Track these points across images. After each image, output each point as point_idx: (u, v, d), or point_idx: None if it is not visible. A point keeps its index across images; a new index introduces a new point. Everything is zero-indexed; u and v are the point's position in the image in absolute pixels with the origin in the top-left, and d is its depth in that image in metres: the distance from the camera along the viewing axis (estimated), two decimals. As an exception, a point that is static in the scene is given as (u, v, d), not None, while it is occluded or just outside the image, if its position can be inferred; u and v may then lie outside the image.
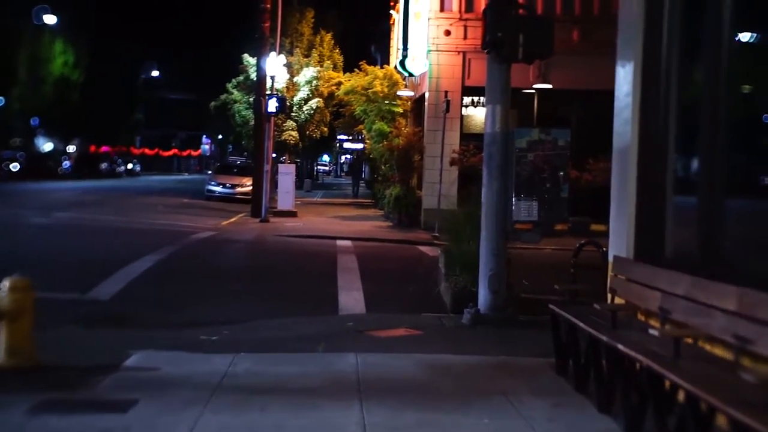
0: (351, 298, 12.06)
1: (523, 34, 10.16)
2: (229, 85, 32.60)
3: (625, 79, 8.25)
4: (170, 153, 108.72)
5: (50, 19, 55.49)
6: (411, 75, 25.13)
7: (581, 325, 6.66)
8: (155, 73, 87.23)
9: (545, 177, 9.84)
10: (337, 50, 39.07)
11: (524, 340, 9.09)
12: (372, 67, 29.60)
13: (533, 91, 24.75)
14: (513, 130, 10.26)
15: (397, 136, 26.78)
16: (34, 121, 64.94)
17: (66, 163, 63.29)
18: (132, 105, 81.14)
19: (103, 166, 69.07)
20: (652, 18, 7.63)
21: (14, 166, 51.42)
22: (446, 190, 22.98)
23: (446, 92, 22.72)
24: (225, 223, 25.01)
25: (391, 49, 38.12)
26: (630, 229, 7.82)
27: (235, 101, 32.18)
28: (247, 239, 20.43)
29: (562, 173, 9.70)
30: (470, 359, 8.15)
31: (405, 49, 24.18)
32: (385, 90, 28.11)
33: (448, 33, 24.34)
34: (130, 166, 78.03)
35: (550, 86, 24.03)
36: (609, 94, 9.07)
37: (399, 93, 28.07)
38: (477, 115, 25.30)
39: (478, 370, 7.72)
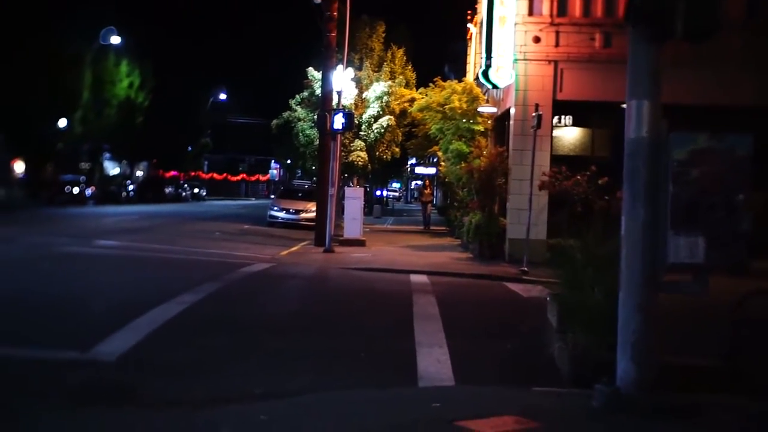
0: (433, 360, 9.14)
1: (684, 1, 7.25)
2: (292, 102, 30.00)
3: None
4: (238, 178, 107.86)
5: (116, 41, 54.09)
6: (495, 87, 22.23)
7: None
8: (223, 97, 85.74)
9: (716, 202, 6.89)
10: (410, 67, 36.40)
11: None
12: (449, 81, 26.74)
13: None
14: (668, 135, 7.28)
15: (478, 157, 23.86)
16: (104, 145, 63.92)
17: (130, 187, 61.82)
18: (199, 129, 79.79)
19: (168, 190, 67.50)
20: None
21: (75, 190, 49.86)
22: (535, 217, 20.01)
23: (537, 105, 19.73)
24: (284, 253, 22.34)
25: (467, 66, 35.34)
26: None
27: (299, 119, 29.56)
28: (306, 274, 17.65)
29: (741, 196, 6.77)
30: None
31: (488, 58, 21.29)
32: (464, 106, 25.24)
33: (537, 40, 21.41)
34: (196, 190, 76.44)
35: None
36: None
37: (480, 109, 25.16)
38: (568, 134, 22.30)
39: None
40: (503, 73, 21.25)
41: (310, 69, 29.23)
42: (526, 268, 18.81)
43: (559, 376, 8.44)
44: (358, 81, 29.63)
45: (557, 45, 21.40)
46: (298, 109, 29.72)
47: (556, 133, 21.89)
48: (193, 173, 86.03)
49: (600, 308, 8.22)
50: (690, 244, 7.00)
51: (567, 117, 21.99)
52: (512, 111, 21.87)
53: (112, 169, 68.32)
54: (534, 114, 19.53)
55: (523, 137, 21.33)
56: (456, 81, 27.01)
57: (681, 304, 8.61)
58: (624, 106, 20.15)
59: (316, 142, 27.03)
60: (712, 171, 7.03)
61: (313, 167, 27.82)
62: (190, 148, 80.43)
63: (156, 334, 9.86)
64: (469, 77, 30.29)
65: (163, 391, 7.55)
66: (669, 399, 7.10)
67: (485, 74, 21.41)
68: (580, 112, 21.94)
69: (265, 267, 18.22)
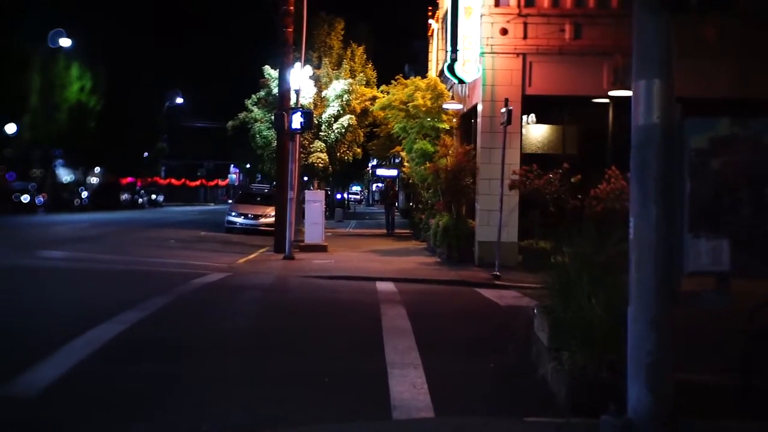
0: (407, 384, 7.97)
1: (697, -39, 6.17)
2: (248, 102, 28.58)
3: None
4: (197, 183, 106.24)
5: (66, 43, 52.31)
6: (461, 82, 21.11)
7: None
8: (179, 101, 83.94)
9: (741, 197, 5.82)
10: (370, 65, 35.21)
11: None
12: (412, 78, 25.60)
13: (607, 100, 20.67)
14: (683, 121, 6.16)
15: (444, 156, 22.74)
16: (56, 151, 61.98)
17: (84, 194, 59.96)
18: (155, 134, 77.95)
19: (124, 197, 65.69)
20: None
21: (25, 198, 48.01)
22: (505, 218, 18.95)
23: (506, 99, 18.65)
24: (242, 260, 21.06)
25: (429, 63, 34.26)
26: None
27: (256, 120, 28.17)
28: (264, 284, 16.37)
29: (772, 191, 5.71)
30: None
31: (454, 51, 20.18)
32: (428, 103, 24.10)
33: (504, 32, 20.34)
34: (153, 196, 74.60)
35: (629, 93, 19.85)
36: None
37: (445, 106, 24.05)
38: (538, 131, 21.28)
39: None
40: (470, 67, 20.16)
41: (267, 67, 27.88)
42: (497, 273, 17.75)
43: (554, 402, 7.33)
44: (317, 79, 28.37)
45: (525, 37, 20.36)
46: (255, 109, 28.35)
47: (525, 130, 20.87)
48: (150, 179, 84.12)
49: (601, 323, 7.13)
50: (712, 249, 5.92)
51: (530, 115, 20.96)
52: (479, 107, 20.79)
53: (67, 176, 66.31)
54: (503, 109, 18.45)
55: (492, 134, 20.28)
56: (419, 78, 25.86)
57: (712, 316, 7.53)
58: (597, 100, 19.04)
59: (274, 144, 25.76)
60: (735, 161, 5.96)
61: (272, 170, 26.48)
62: (146, 154, 78.59)
63: (89, 360, 8.58)
64: (432, 75, 29.18)
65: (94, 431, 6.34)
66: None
67: (451, 69, 20.29)
68: (550, 107, 20.94)
69: (221, 277, 16.95)
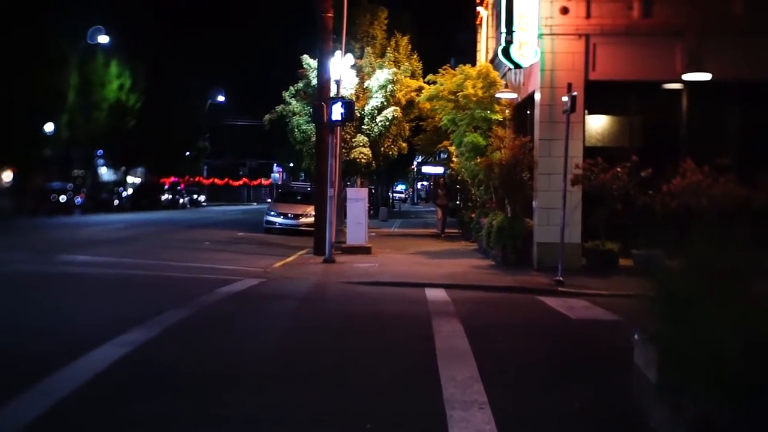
0: (473, 432, 6.15)
1: None
2: (286, 94, 26.80)
3: None
4: (240, 183, 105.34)
5: (104, 40, 51.15)
6: (517, 67, 19.15)
7: None
8: (221, 99, 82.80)
9: None
10: (415, 56, 33.33)
11: None
12: (462, 66, 23.67)
13: (680, 86, 18.62)
14: None
15: (498, 149, 20.78)
16: (97, 151, 61.11)
17: (123, 194, 58.91)
18: (197, 132, 76.91)
19: (165, 197, 64.53)
20: None
21: (62, 198, 46.90)
22: (567, 217, 17.00)
23: (569, 84, 16.68)
24: (278, 264, 19.33)
25: (477, 54, 32.27)
26: None
27: (294, 113, 26.40)
28: (300, 293, 14.57)
29: None
30: None
31: (509, 33, 18.21)
32: (480, 93, 22.15)
33: (565, 11, 18.41)
34: (194, 196, 73.45)
35: (707, 76, 17.82)
36: None
37: (498, 95, 22.08)
38: (601, 121, 19.31)
39: None
40: (527, 50, 18.21)
41: (305, 56, 26.09)
42: (560, 278, 15.85)
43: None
44: (359, 69, 26.55)
45: (588, 16, 18.40)
46: (293, 101, 26.60)
47: (591, 117, 18.94)
48: (193, 179, 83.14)
49: (738, 355, 5.26)
50: None
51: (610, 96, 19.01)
52: (537, 95, 18.85)
53: (108, 176, 65.39)
54: (566, 96, 16.47)
55: (551, 124, 18.35)
56: (469, 65, 23.93)
57: None
58: (668, 86, 16.67)
59: (314, 139, 24.01)
60: None
61: (312, 167, 24.77)
62: (188, 153, 77.59)
63: (74, 397, 6.84)
64: (483, 62, 27.19)
65: None
66: None
67: (506, 52, 18.35)
68: (615, 94, 18.92)
69: (252, 284, 15.20)
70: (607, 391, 7.35)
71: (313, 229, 22.60)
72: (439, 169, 46.82)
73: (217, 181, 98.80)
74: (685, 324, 5.78)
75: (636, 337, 6.73)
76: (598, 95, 18.56)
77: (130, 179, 68.30)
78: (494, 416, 6.51)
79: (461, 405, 6.83)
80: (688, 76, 17.97)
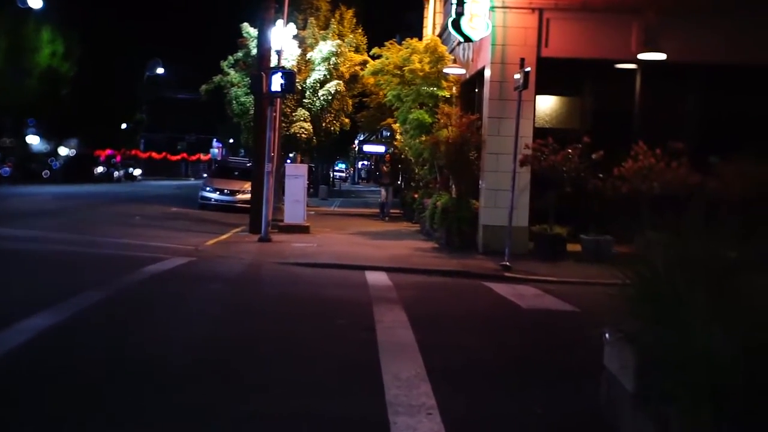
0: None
1: None
2: (224, 64, 25.57)
3: None
4: (178, 157, 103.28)
5: (36, 4, 48.98)
6: (468, 40, 18.27)
7: None
8: (160, 70, 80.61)
9: None
10: (360, 31, 32.28)
11: None
12: (409, 39, 22.72)
13: (634, 66, 17.99)
14: None
15: (445, 127, 19.92)
16: (29, 120, 58.82)
17: (54, 166, 56.83)
18: (134, 104, 74.72)
19: (99, 170, 62.51)
20: None
21: (-14, 169, 44.95)
22: (514, 199, 16.26)
23: (522, 59, 15.87)
24: (211, 242, 18.27)
25: (424, 31, 31.38)
26: None
27: (233, 84, 25.17)
28: (231, 273, 13.57)
29: None
30: None
31: (460, 4, 17.36)
32: (427, 68, 21.24)
33: (518, -17, 17.61)
34: (130, 170, 71.41)
35: (662, 56, 17.15)
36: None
37: (446, 70, 21.18)
38: (550, 101, 18.61)
39: None
40: (478, 23, 17.37)
41: (245, 24, 24.83)
42: (507, 263, 15.10)
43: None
44: (301, 41, 25.41)
45: (543, -10, 17.63)
46: (231, 72, 25.34)
47: (542, 97, 18.22)
48: (129, 152, 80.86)
49: (736, 363, 4.47)
50: None
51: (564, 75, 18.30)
52: (487, 72, 18.05)
53: (40, 146, 63.03)
54: (519, 72, 15.67)
55: (501, 102, 17.61)
56: (416, 39, 23.02)
57: None
58: (621, 66, 15.89)
59: (252, 111, 22.88)
60: None
61: (250, 141, 23.63)
62: (124, 126, 75.39)
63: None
64: (431, 35, 26.22)
65: None
66: None
67: (456, 24, 17.48)
68: (568, 72, 18.20)
69: (181, 263, 14.15)
70: (571, 394, 6.55)
71: (250, 206, 21.54)
72: (381, 148, 45.97)
73: (154, 155, 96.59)
74: (672, 325, 4.98)
75: (607, 336, 5.91)
76: (550, 73, 17.81)
77: (63, 150, 65.96)
78: (444, 424, 5.66)
79: (406, 409, 5.96)
80: (643, 56, 17.30)
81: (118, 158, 73.25)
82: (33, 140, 61.51)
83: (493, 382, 7.09)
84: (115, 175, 65.39)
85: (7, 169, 47.43)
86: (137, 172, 74.68)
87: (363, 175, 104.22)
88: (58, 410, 5.66)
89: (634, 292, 5.52)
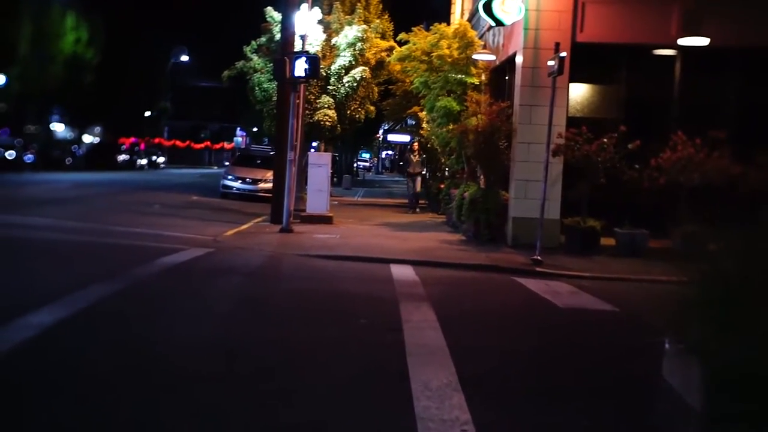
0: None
1: None
2: (247, 49, 24.96)
3: None
4: (202, 146, 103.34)
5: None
6: (500, 24, 17.53)
7: None
8: (185, 58, 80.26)
9: None
10: (386, 17, 31.58)
11: None
12: (437, 24, 21.98)
13: (674, 51, 17.19)
14: None
15: (474, 115, 19.19)
16: (54, 107, 58.67)
17: (78, 153, 56.58)
18: (158, 92, 74.50)
19: (123, 157, 62.26)
20: None
21: (10, 154, 44.63)
22: (546, 191, 15.52)
23: (557, 44, 15.13)
24: (231, 232, 17.68)
25: (451, 17, 30.58)
26: None
27: (255, 70, 24.52)
28: (250, 266, 12.94)
29: None
30: None
31: (492, -14, 16.63)
32: (455, 54, 20.50)
33: (553, -35, 16.83)
34: (153, 158, 71.18)
35: (704, 41, 16.34)
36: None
37: (475, 56, 20.44)
38: (590, 88, 17.85)
39: None
40: (511, 6, 16.63)
41: (269, 8, 24.15)
42: (539, 257, 14.40)
43: None
44: (326, 26, 24.74)
45: (578, -29, 16.85)
46: (254, 57, 24.70)
47: (576, 85, 17.46)
48: (153, 140, 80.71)
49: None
50: None
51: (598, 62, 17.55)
52: (519, 57, 17.30)
53: (65, 133, 62.87)
54: (553, 57, 14.93)
55: (533, 89, 16.86)
56: (444, 24, 22.27)
57: None
58: (660, 51, 14.96)
59: (275, 98, 22.25)
60: None
61: (273, 128, 23.02)
62: (148, 113, 75.21)
63: None
64: (459, 20, 25.43)
65: None
66: None
67: (487, 8, 16.75)
68: (604, 59, 17.44)
69: (198, 255, 13.54)
70: (621, 407, 5.85)
71: (271, 195, 20.94)
72: (406, 138, 45.20)
73: (178, 143, 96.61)
74: (749, 336, 4.29)
75: (667, 345, 5.22)
76: (584, 59, 17.01)
77: (86, 138, 65.79)
78: (480, 442, 5.00)
79: (438, 425, 5.29)
80: (683, 41, 16.49)
81: (142, 146, 73.18)
82: (57, 127, 61.39)
83: (532, 391, 6.39)
84: (137, 163, 65.14)
85: (31, 156, 47.16)
86: (161, 160, 74.47)
87: (387, 165, 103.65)
88: (64, 410, 5.05)
89: (698, 294, 4.83)
